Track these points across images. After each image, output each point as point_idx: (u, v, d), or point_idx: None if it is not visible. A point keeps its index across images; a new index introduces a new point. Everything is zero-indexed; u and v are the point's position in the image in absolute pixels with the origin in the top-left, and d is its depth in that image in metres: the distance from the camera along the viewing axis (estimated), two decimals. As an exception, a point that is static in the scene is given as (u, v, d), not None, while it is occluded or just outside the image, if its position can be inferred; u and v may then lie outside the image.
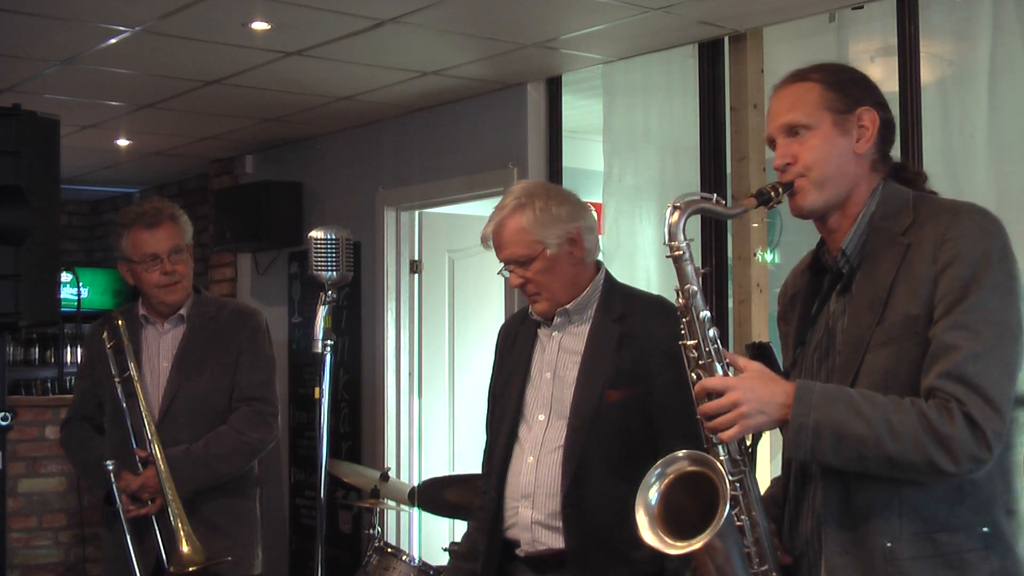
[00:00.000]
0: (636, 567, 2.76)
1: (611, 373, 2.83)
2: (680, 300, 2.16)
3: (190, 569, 3.44)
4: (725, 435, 2.08)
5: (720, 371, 2.12)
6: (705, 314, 2.14)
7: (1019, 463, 2.10)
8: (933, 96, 4.23)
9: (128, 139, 6.91)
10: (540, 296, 2.93)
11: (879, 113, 2.21)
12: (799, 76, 2.24)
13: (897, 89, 4.15)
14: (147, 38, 4.72)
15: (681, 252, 2.15)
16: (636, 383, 2.82)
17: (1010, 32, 4.11)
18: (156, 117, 6.22)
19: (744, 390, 2.06)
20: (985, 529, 2.04)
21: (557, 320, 2.95)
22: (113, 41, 4.76)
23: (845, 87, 2.21)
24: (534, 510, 2.85)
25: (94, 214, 9.55)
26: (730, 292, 4.74)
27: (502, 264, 2.94)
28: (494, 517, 2.93)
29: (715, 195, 2.19)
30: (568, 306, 2.93)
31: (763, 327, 4.63)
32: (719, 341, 2.15)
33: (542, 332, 2.99)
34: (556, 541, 2.84)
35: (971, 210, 2.12)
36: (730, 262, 4.73)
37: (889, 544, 2.05)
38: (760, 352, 2.25)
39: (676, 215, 2.14)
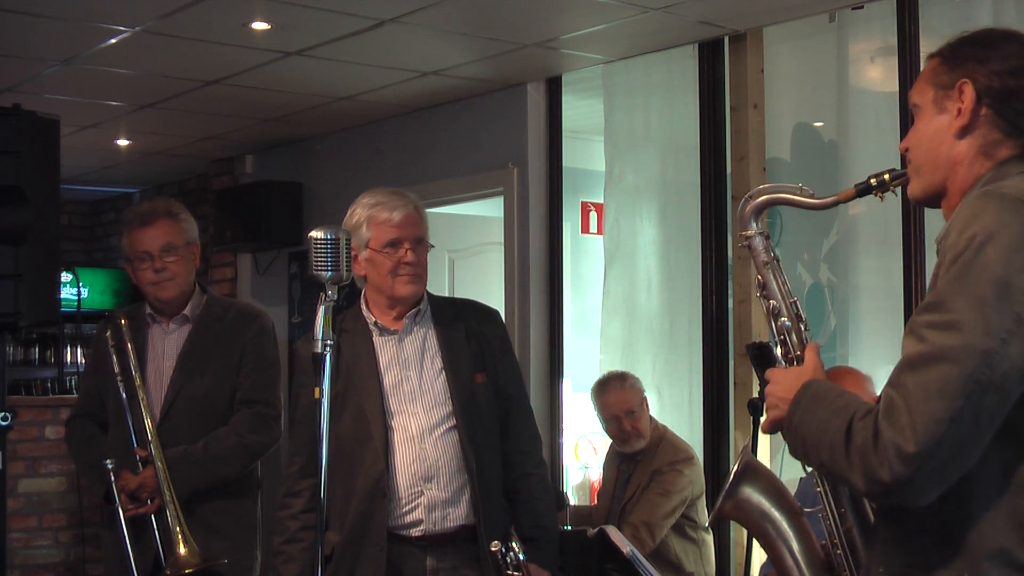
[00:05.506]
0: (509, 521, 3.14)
1: (471, 362, 3.16)
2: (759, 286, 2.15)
3: (186, 571, 3.43)
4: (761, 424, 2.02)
5: (780, 358, 2.09)
6: (774, 303, 2.09)
7: None
8: (933, 96, 4.22)
9: (128, 139, 6.91)
10: (422, 278, 3.27)
11: (987, 82, 1.86)
12: (935, 51, 1.98)
13: (897, 89, 4.16)
14: (147, 38, 4.72)
15: (747, 244, 2.13)
16: (485, 368, 3.18)
17: (1010, 32, 4.10)
18: (156, 117, 6.22)
19: (773, 383, 1.98)
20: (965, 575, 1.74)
21: (404, 324, 3.19)
22: (113, 41, 4.76)
23: (956, 56, 1.91)
24: (439, 490, 3.04)
25: (94, 214, 9.55)
26: (730, 292, 4.74)
27: (406, 243, 3.24)
28: (368, 513, 3.00)
29: (800, 184, 2.09)
30: (413, 312, 3.21)
31: (763, 327, 4.63)
32: (798, 320, 2.08)
33: (380, 339, 3.17)
34: (461, 516, 3.05)
35: (976, 195, 1.81)
36: (730, 262, 4.74)
37: (881, 570, 1.88)
38: (760, 352, 2.26)
39: (747, 207, 2.11)
